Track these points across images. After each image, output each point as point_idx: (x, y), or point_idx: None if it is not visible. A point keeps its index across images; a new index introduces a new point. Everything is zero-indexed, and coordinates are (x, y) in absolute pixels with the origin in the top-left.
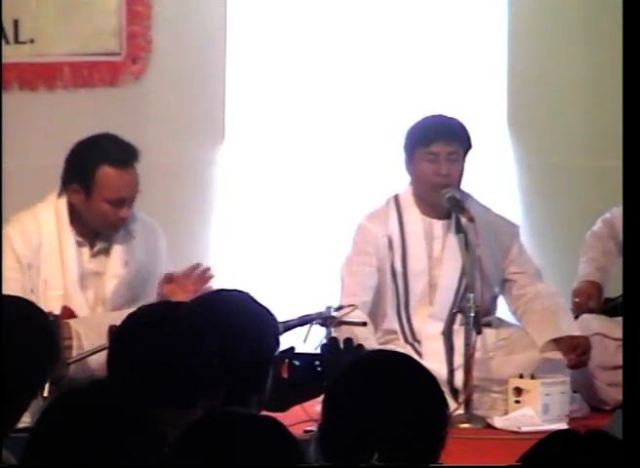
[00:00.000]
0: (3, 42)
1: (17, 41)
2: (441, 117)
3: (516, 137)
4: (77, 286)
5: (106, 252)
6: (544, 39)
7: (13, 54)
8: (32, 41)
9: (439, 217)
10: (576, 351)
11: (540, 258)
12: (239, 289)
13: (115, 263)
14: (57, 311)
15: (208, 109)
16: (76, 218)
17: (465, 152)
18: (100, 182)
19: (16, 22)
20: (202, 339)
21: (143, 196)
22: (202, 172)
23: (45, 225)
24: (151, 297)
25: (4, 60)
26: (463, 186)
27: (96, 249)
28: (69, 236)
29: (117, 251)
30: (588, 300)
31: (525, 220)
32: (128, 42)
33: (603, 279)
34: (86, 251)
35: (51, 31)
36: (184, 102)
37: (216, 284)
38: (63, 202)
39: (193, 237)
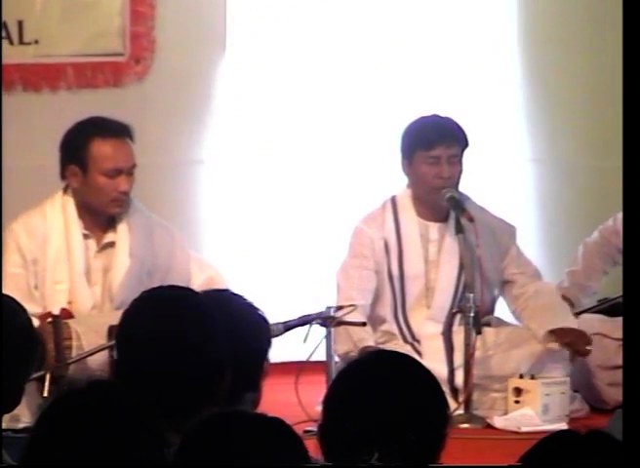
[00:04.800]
0: (7, 43)
1: (21, 42)
2: (439, 118)
3: (528, 135)
4: (83, 277)
5: (113, 245)
6: (548, 40)
7: (17, 55)
8: (37, 42)
9: (435, 220)
10: (575, 343)
11: (540, 256)
12: (230, 289)
13: (121, 255)
14: (62, 304)
15: (210, 109)
16: (83, 211)
17: (463, 151)
18: (93, 155)
19: (20, 23)
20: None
21: (150, 194)
22: (203, 171)
23: (51, 219)
24: None
25: (8, 61)
26: (469, 186)
27: (103, 242)
28: (76, 229)
29: (123, 243)
30: None
31: (533, 220)
32: (131, 43)
33: (577, 294)
34: (93, 245)
35: (55, 32)
36: (187, 103)
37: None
38: (69, 198)
39: (197, 236)
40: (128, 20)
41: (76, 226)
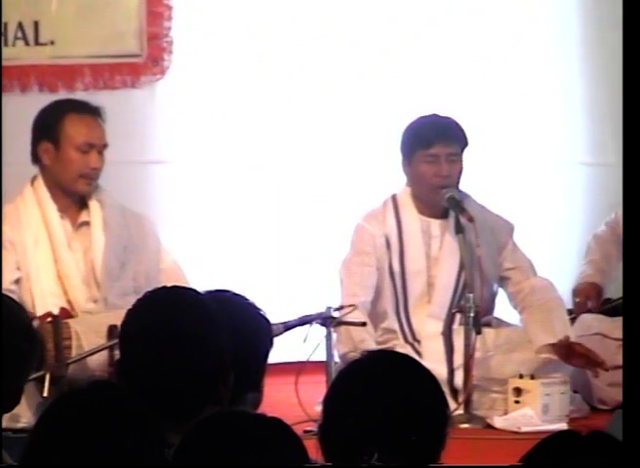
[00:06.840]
0: (23, 43)
1: (37, 43)
2: (437, 117)
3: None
4: (67, 248)
5: (88, 224)
6: (550, 39)
7: (33, 55)
8: (52, 43)
9: (436, 217)
10: (572, 357)
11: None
12: (229, 289)
13: (97, 233)
14: (54, 283)
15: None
16: (54, 191)
17: (462, 151)
18: (67, 129)
19: (36, 24)
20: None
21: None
22: (203, 170)
23: (24, 209)
24: (137, 273)
25: (24, 62)
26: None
27: (78, 222)
28: (52, 208)
29: (97, 220)
30: (587, 301)
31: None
32: (148, 44)
33: (603, 281)
34: (68, 226)
35: (71, 33)
36: (204, 103)
37: (210, 284)
38: (40, 181)
39: (198, 235)
40: (144, 21)
41: (51, 206)
